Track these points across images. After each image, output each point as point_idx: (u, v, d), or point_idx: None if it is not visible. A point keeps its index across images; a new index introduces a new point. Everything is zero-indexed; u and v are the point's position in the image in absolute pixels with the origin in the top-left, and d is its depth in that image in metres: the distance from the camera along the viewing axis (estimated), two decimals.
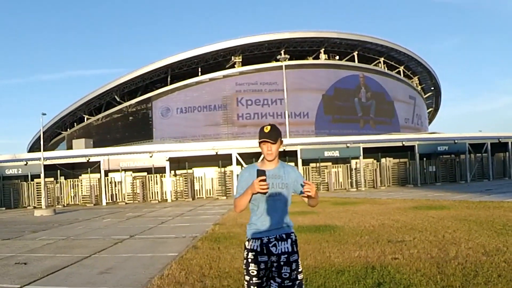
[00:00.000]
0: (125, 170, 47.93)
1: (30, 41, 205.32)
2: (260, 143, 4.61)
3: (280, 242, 4.46)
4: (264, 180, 4.25)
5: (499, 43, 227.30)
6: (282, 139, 4.67)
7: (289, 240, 4.51)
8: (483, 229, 13.00)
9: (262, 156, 4.77)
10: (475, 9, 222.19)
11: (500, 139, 53.65)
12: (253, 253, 4.45)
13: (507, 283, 7.13)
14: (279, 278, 4.42)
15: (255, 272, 4.42)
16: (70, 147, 67.52)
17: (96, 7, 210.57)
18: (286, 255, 4.43)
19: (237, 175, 44.55)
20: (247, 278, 4.48)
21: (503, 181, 47.37)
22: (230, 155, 46.17)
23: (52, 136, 76.19)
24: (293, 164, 46.16)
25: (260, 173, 4.33)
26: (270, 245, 4.44)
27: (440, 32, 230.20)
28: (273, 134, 4.55)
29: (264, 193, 4.32)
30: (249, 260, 4.46)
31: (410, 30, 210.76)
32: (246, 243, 4.58)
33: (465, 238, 11.62)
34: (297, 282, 4.45)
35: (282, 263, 4.40)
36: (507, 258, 8.94)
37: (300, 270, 4.51)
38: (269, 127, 4.57)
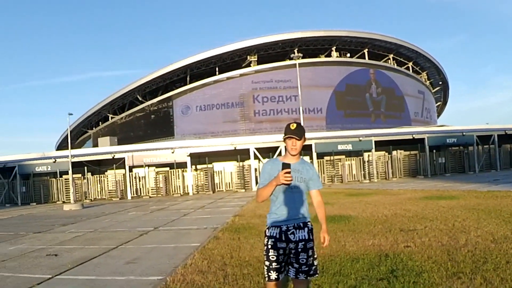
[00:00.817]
0: (149, 166, 48.10)
1: (55, 44, 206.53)
2: (286, 138, 4.88)
3: (297, 230, 4.77)
4: (289, 173, 4.48)
5: (500, 42, 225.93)
6: (305, 136, 4.91)
7: (306, 229, 4.82)
8: (491, 217, 12.92)
9: (285, 151, 5.05)
10: (480, 10, 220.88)
11: (506, 131, 53.28)
12: (273, 240, 4.74)
13: None
14: (296, 263, 4.72)
15: (275, 258, 4.70)
16: (96, 144, 67.98)
17: (118, 11, 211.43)
18: (303, 242, 4.74)
19: (255, 168, 44.92)
20: (267, 263, 4.77)
21: (510, 172, 46.95)
22: (248, 150, 46.17)
23: (78, 135, 76.66)
24: (308, 158, 46.33)
25: (285, 166, 4.54)
26: (289, 233, 4.74)
27: (443, 30, 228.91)
28: (299, 131, 4.83)
29: (288, 185, 4.61)
30: (269, 246, 4.76)
31: (416, 29, 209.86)
32: (266, 230, 4.89)
33: (474, 226, 11.55)
34: (313, 267, 4.78)
35: (299, 249, 4.71)
36: None
37: (315, 256, 4.85)
38: (295, 125, 4.88)
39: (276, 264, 4.72)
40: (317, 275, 4.97)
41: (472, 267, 7.42)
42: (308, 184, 4.96)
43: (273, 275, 4.72)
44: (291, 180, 4.54)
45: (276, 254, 4.72)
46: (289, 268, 4.80)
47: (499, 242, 9.27)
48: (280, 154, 43.77)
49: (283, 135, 4.89)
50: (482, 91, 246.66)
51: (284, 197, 4.83)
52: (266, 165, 5.08)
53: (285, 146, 5.13)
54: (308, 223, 4.89)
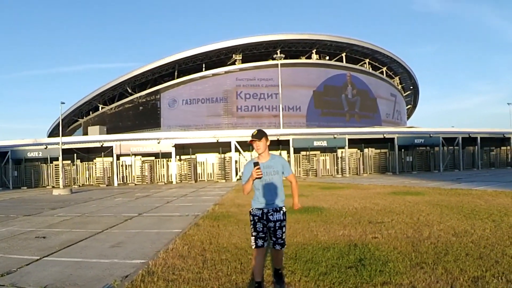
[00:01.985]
0: (135, 155, 47.88)
1: (52, 36, 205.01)
2: (250, 142, 6.08)
3: (275, 213, 5.97)
4: (258, 169, 5.74)
5: (471, 50, 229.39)
6: (273, 132, 5.78)
7: (281, 212, 6.02)
8: (453, 213, 13.04)
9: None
10: (451, 19, 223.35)
11: (470, 134, 54.03)
12: (257, 217, 5.97)
13: (474, 261, 7.19)
14: (274, 237, 5.95)
15: (260, 229, 5.93)
16: (86, 133, 67.57)
17: (111, 7, 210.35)
18: (279, 222, 5.96)
19: (235, 160, 45.00)
20: (254, 234, 5.95)
21: (472, 172, 47.46)
22: (229, 143, 46.17)
23: (70, 123, 76.01)
24: (285, 152, 46.54)
25: (255, 164, 5.82)
26: (269, 214, 5.95)
27: (420, 38, 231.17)
28: (258, 135, 6.02)
29: (259, 178, 5.80)
30: (256, 220, 5.97)
31: (393, 35, 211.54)
32: (251, 211, 6.09)
33: (437, 220, 11.67)
34: (284, 239, 6.03)
35: (277, 227, 5.93)
36: (474, 239, 8.99)
37: (285, 231, 6.06)
38: (256, 131, 6.10)
39: (262, 233, 5.91)
40: (285, 246, 6.09)
41: (434, 258, 7.52)
42: (283, 172, 6.09)
43: (260, 242, 5.89)
44: (261, 174, 5.77)
45: (260, 226, 5.92)
46: (270, 241, 6.03)
47: (459, 236, 9.38)
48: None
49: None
50: (450, 97, 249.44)
51: (264, 188, 5.97)
52: (246, 165, 6.16)
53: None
54: (283, 207, 6.05)
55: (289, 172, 6.18)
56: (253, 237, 5.93)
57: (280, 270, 6.34)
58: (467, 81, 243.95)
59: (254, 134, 6.03)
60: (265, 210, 5.93)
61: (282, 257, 6.41)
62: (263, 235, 5.90)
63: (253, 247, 5.94)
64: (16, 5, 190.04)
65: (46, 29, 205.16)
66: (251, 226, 6.01)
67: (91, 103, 73.01)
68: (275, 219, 5.91)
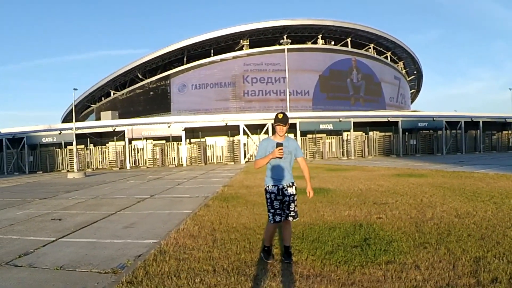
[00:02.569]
0: (146, 139, 47.98)
1: (66, 24, 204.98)
2: (275, 125, 6.39)
3: (289, 188, 6.42)
4: (281, 150, 6.10)
5: (473, 37, 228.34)
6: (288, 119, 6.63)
7: (294, 187, 6.50)
8: (455, 195, 13.01)
9: (272, 130, 6.28)
10: (453, 7, 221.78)
11: (472, 119, 53.76)
12: (274, 194, 6.37)
13: (475, 241, 7.18)
14: (288, 210, 6.38)
15: (278, 206, 6.33)
16: (98, 118, 67.54)
17: None
18: (293, 196, 6.42)
19: (244, 143, 44.99)
20: (272, 211, 6.36)
21: (474, 155, 47.28)
22: (237, 126, 46.10)
23: (83, 109, 76.04)
24: (292, 135, 46.49)
25: (279, 145, 6.19)
26: (284, 190, 6.38)
27: (423, 24, 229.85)
28: (284, 119, 6.36)
29: (281, 158, 6.20)
30: (272, 198, 6.37)
31: (397, 21, 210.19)
32: (267, 188, 6.47)
33: (440, 202, 11.65)
34: (296, 212, 6.48)
35: (291, 201, 6.38)
36: (476, 220, 8.97)
37: (297, 204, 6.53)
38: (281, 115, 6.38)
39: (279, 210, 6.33)
40: (298, 218, 6.60)
41: (437, 238, 7.52)
42: (294, 154, 6.52)
43: (278, 218, 6.32)
44: (283, 154, 6.14)
45: (277, 204, 6.33)
46: (285, 212, 6.39)
47: (462, 217, 9.36)
48: (267, 131, 43.95)
49: (273, 122, 6.42)
50: (452, 82, 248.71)
51: (278, 165, 6.38)
52: (262, 142, 6.62)
53: (273, 127, 6.72)
54: (294, 183, 6.52)
55: (300, 154, 6.63)
56: (271, 214, 6.36)
57: (290, 248, 6.60)
58: (468, 67, 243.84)
59: (280, 117, 6.32)
60: (280, 186, 6.36)
61: (291, 233, 6.70)
62: (280, 212, 6.32)
63: (272, 222, 6.37)
64: None
65: (58, 19, 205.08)
66: (268, 204, 6.42)
67: (103, 89, 73.05)
68: (289, 194, 6.37)
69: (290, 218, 6.39)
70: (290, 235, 6.62)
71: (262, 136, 44.18)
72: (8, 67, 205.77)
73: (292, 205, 6.38)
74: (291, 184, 6.44)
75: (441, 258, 6.31)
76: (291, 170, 6.52)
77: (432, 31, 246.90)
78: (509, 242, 7.16)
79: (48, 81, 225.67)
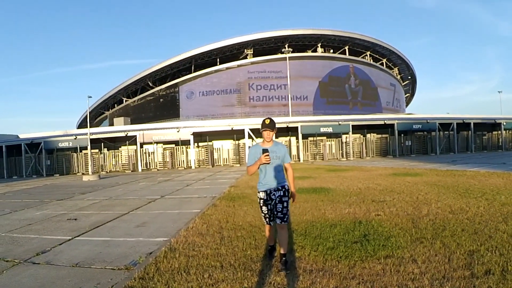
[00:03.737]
0: (157, 143, 47.99)
1: (80, 36, 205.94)
2: (262, 131, 6.13)
3: (276, 191, 6.13)
4: (268, 156, 5.87)
5: (463, 43, 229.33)
6: (282, 120, 5.92)
7: (283, 190, 6.14)
8: (449, 192, 12.98)
9: (263, 139, 6.24)
10: (444, 14, 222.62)
11: (464, 120, 53.69)
12: (263, 200, 6.20)
13: (469, 236, 7.17)
14: (275, 211, 6.09)
15: (266, 211, 6.21)
16: (111, 124, 67.74)
17: (136, 9, 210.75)
18: (280, 197, 6.08)
19: (249, 147, 44.94)
20: (262, 214, 6.33)
21: (466, 154, 47.18)
22: (243, 130, 46.06)
23: (96, 115, 76.27)
24: (294, 137, 46.49)
25: (264, 151, 5.93)
26: (271, 194, 6.14)
27: (416, 31, 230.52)
28: (271, 125, 6.11)
29: (268, 164, 5.95)
30: (261, 204, 6.26)
31: (392, 29, 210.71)
32: (258, 194, 6.30)
33: (435, 199, 11.62)
34: (286, 216, 6.09)
35: (277, 201, 6.07)
36: (469, 216, 8.96)
37: (288, 208, 6.14)
38: (268, 120, 6.13)
39: (267, 215, 6.22)
40: (286, 222, 6.12)
41: (432, 233, 7.50)
42: (283, 159, 6.21)
43: (267, 221, 6.27)
44: (270, 160, 5.90)
45: (266, 209, 6.20)
46: (274, 217, 6.15)
47: (455, 213, 9.35)
48: None
49: (261, 127, 6.13)
50: (444, 86, 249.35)
51: (267, 171, 6.16)
52: (251, 149, 6.35)
53: (261, 133, 6.25)
54: (285, 186, 6.18)
55: (288, 160, 6.32)
56: (263, 217, 6.35)
57: (285, 257, 6.03)
58: (459, 72, 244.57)
59: (267, 123, 6.08)
60: (268, 191, 6.15)
61: (287, 239, 6.15)
62: (269, 216, 6.23)
63: (265, 223, 6.40)
64: (44, 9, 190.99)
65: (72, 29, 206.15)
66: (260, 209, 6.36)
67: (115, 96, 73.23)
68: (276, 196, 6.10)
69: (278, 221, 5.99)
70: (286, 241, 6.10)
71: (260, 141, 44.11)
72: (27, 75, 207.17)
73: (279, 206, 6.02)
74: (280, 187, 6.11)
75: (437, 252, 6.30)
76: (281, 174, 6.21)
77: (424, 37, 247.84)
78: (501, 236, 7.15)
79: (64, 89, 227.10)
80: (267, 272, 5.77)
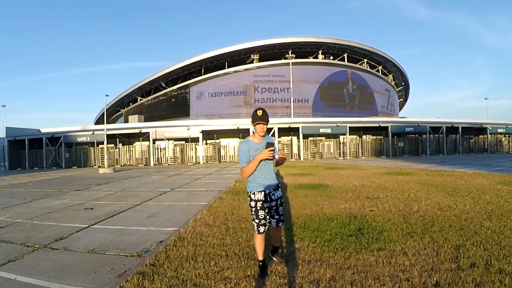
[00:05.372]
0: (168, 139, 47.99)
1: (100, 40, 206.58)
2: (256, 124, 5.10)
3: (275, 191, 5.34)
4: (272, 150, 4.91)
5: (453, 52, 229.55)
6: (284, 120, 5.34)
7: (279, 189, 5.43)
8: (438, 191, 12.96)
9: (253, 132, 5.22)
10: (436, 25, 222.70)
11: (453, 124, 53.54)
12: (261, 202, 5.21)
13: (456, 231, 7.18)
14: (277, 215, 5.37)
15: (263, 216, 5.22)
16: (126, 121, 67.86)
17: (149, 16, 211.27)
18: (280, 199, 5.39)
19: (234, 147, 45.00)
20: (256, 221, 5.23)
21: (454, 156, 47.06)
22: (248, 129, 45.89)
23: (113, 112, 76.38)
24: (296, 137, 46.47)
25: (269, 145, 5.00)
26: (271, 194, 5.28)
27: (409, 40, 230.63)
28: (265, 117, 5.10)
29: (271, 159, 5.10)
30: (258, 207, 5.21)
31: (387, 38, 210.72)
32: (252, 196, 5.26)
33: (424, 197, 11.61)
34: (284, 215, 5.47)
35: (279, 204, 5.36)
36: (456, 213, 8.96)
37: (284, 207, 5.53)
38: (261, 111, 5.11)
39: (263, 221, 5.23)
40: (284, 223, 5.56)
41: (422, 228, 7.50)
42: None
43: (262, 228, 5.23)
44: (273, 156, 5.00)
45: (264, 213, 5.22)
46: (271, 220, 5.38)
47: (444, 210, 9.34)
48: (273, 134, 43.91)
49: (252, 120, 5.14)
50: (435, 91, 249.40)
51: (265, 168, 5.22)
52: (242, 147, 5.21)
53: (253, 126, 5.22)
54: (279, 184, 5.43)
55: (277, 153, 5.41)
56: (256, 224, 5.25)
57: (279, 248, 5.87)
58: (450, 79, 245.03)
59: (259, 114, 5.10)
60: (267, 191, 5.24)
61: (280, 235, 5.88)
62: (265, 222, 5.25)
63: (256, 233, 5.27)
64: (68, 15, 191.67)
65: (93, 34, 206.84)
66: (253, 213, 5.28)
67: (131, 95, 73.28)
68: (276, 197, 5.33)
69: (280, 224, 5.44)
70: (279, 237, 5.79)
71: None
72: (50, 75, 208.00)
73: (281, 208, 5.37)
74: (276, 186, 5.35)
75: (426, 246, 6.30)
76: (274, 171, 5.41)
77: (418, 46, 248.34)
78: (485, 232, 7.16)
79: (83, 88, 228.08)
80: (268, 262, 5.74)
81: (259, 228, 5.23)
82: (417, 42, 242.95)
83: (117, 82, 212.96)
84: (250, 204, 5.31)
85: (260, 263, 5.38)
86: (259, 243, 5.31)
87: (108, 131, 45.87)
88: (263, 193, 5.22)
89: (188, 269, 5.55)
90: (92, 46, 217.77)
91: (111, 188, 18.25)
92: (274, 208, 5.34)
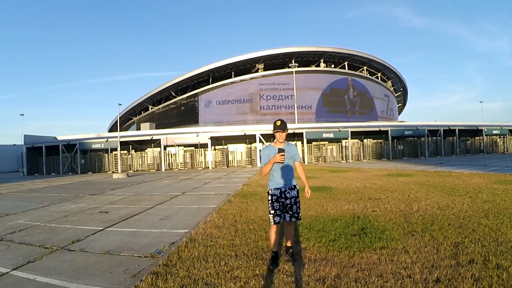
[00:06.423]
0: (179, 146, 48.08)
1: (113, 50, 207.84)
2: (275, 132, 5.78)
3: (291, 191, 5.74)
4: (283, 155, 5.42)
5: (447, 58, 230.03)
6: (289, 126, 5.65)
7: (295, 190, 5.80)
8: (437, 191, 12.91)
9: (275, 139, 5.84)
10: (430, 33, 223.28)
11: (450, 127, 53.46)
12: (275, 197, 5.70)
13: (455, 230, 7.16)
14: (291, 211, 5.73)
15: (277, 207, 5.67)
16: (138, 128, 68.05)
17: (158, 28, 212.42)
18: (294, 198, 5.75)
19: (260, 150, 44.96)
20: (272, 212, 5.70)
21: (451, 157, 46.87)
22: (254, 135, 46.02)
23: (125, 120, 76.61)
24: (300, 142, 46.44)
25: (281, 150, 5.49)
26: (286, 192, 5.71)
27: (406, 48, 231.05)
28: (283, 126, 5.74)
29: (282, 163, 5.55)
30: (273, 200, 5.70)
31: (385, 46, 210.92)
32: (269, 191, 5.80)
33: (424, 197, 11.56)
34: (299, 214, 5.81)
35: (293, 203, 5.72)
36: (454, 212, 8.93)
37: (299, 207, 5.83)
38: (279, 122, 5.78)
39: (278, 211, 5.66)
40: (300, 219, 5.91)
41: (422, 227, 7.48)
42: (293, 158, 5.86)
43: (277, 219, 5.66)
44: (284, 159, 5.46)
45: (278, 205, 5.67)
46: (285, 215, 5.75)
47: (443, 209, 9.31)
48: None
49: (273, 129, 5.81)
50: (433, 96, 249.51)
51: (280, 170, 5.74)
52: (264, 150, 5.90)
53: (273, 134, 5.88)
54: (296, 186, 5.84)
55: (298, 159, 5.96)
56: (271, 215, 5.69)
57: (291, 249, 6.04)
58: (444, 83, 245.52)
59: (278, 124, 5.71)
60: (283, 189, 5.68)
61: (293, 233, 6.17)
62: (280, 213, 5.66)
63: (272, 223, 5.71)
64: (81, 28, 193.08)
65: (106, 44, 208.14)
66: (269, 205, 5.76)
67: (142, 104, 73.48)
68: (291, 196, 5.69)
69: (293, 219, 5.77)
70: (292, 235, 6.10)
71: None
72: (66, 84, 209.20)
73: (295, 207, 5.73)
74: (292, 186, 5.78)
75: (426, 244, 6.28)
76: (293, 173, 5.90)
77: (414, 53, 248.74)
78: (483, 229, 7.14)
79: (97, 96, 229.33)
80: (280, 253, 5.79)
81: (274, 218, 5.68)
82: (412, 49, 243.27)
83: (130, 92, 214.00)
84: (268, 199, 5.84)
85: (273, 254, 5.77)
86: (273, 234, 5.75)
87: (121, 138, 46.08)
88: (278, 190, 5.70)
89: (199, 269, 5.56)
90: (106, 57, 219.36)
91: (125, 193, 18.30)
92: (288, 205, 5.72)
